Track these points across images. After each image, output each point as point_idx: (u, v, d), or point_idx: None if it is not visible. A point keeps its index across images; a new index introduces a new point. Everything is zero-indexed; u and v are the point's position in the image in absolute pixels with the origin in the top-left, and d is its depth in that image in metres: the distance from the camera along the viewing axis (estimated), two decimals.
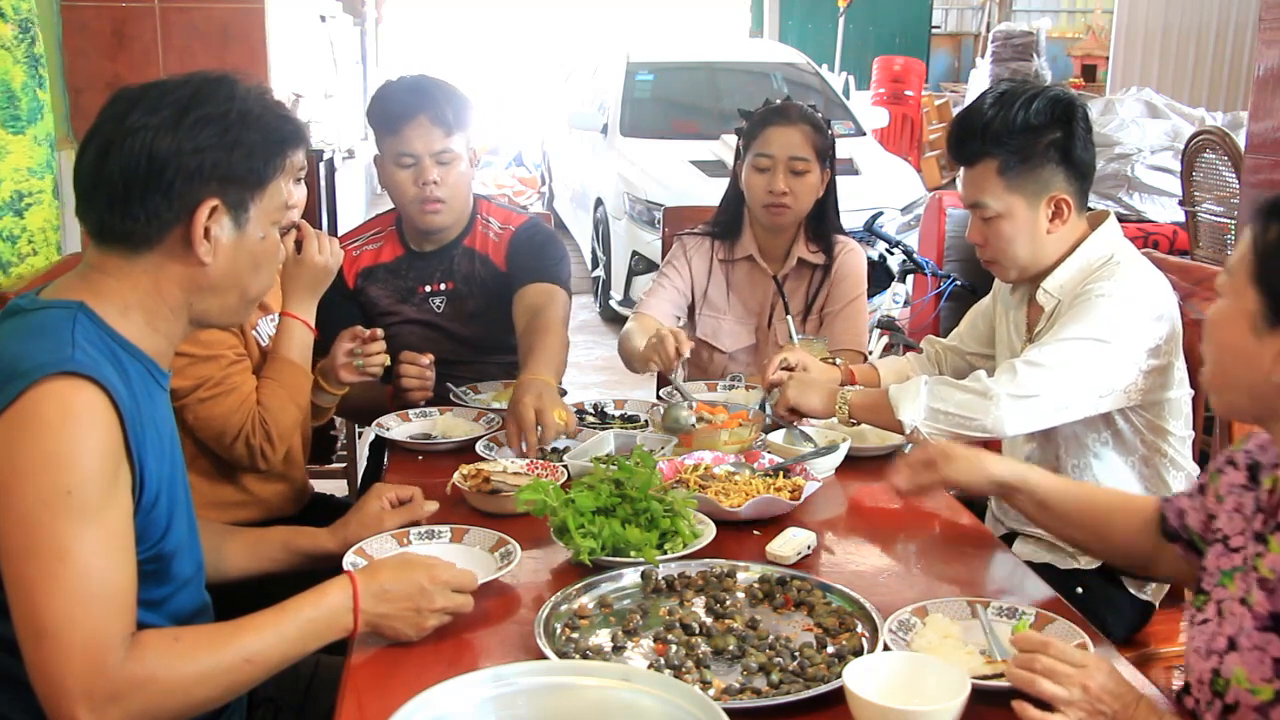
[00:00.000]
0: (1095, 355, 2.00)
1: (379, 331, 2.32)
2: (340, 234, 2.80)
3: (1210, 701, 1.35)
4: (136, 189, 1.43)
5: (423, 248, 2.68)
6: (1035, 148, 2.05)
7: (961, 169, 2.15)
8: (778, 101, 2.82)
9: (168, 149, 1.42)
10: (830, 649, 1.49)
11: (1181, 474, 2.14)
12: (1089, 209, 2.18)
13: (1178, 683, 1.53)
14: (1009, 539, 2.26)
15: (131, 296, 1.46)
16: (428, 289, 2.70)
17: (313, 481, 2.47)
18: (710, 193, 5.78)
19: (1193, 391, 2.15)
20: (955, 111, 12.75)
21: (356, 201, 8.80)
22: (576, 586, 1.64)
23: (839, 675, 1.35)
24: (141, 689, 1.32)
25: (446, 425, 2.40)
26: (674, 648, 1.48)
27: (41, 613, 1.29)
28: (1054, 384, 2.00)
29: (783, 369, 2.34)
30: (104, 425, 1.34)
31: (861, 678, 1.30)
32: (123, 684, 1.31)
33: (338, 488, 3.46)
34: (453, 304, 2.70)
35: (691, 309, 2.91)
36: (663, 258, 3.09)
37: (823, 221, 2.82)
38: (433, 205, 2.57)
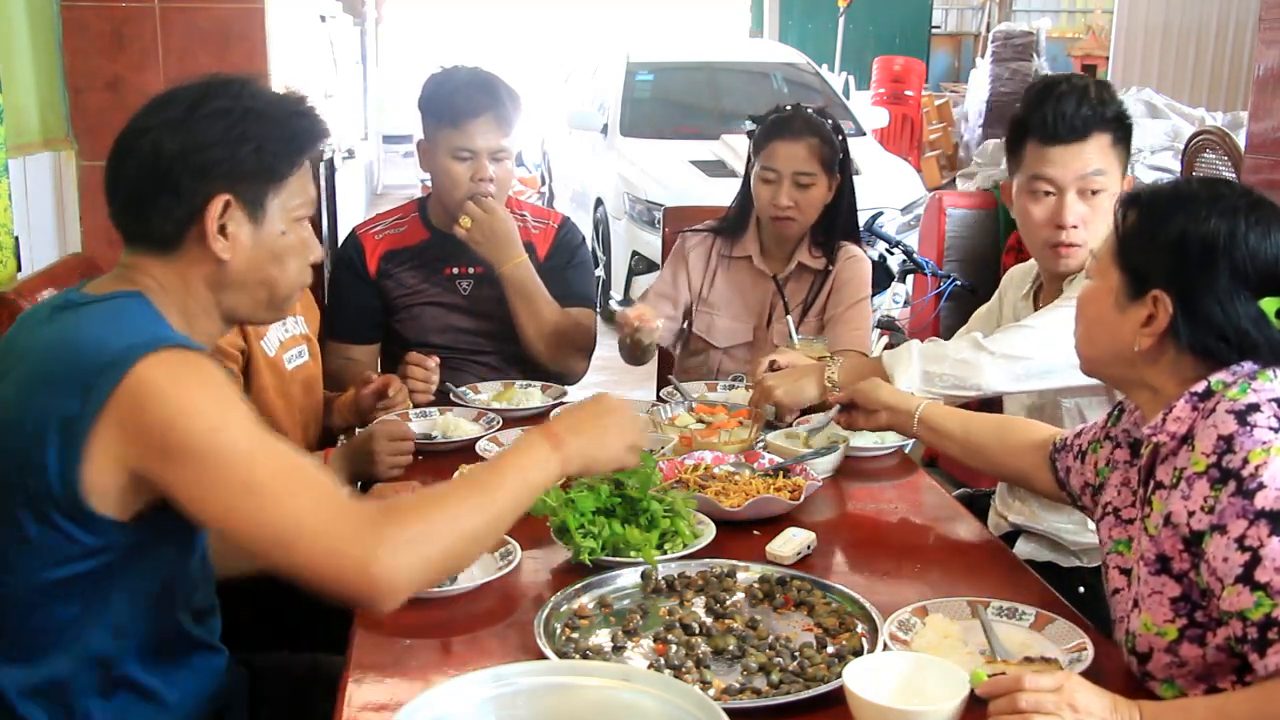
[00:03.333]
0: None
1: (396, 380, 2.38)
2: (356, 224, 2.83)
3: (1128, 659, 1.47)
4: (148, 189, 1.44)
5: (451, 230, 2.69)
6: (1123, 134, 2.11)
7: (1054, 148, 2.09)
8: (786, 108, 2.80)
9: (173, 147, 1.42)
10: (830, 649, 1.49)
11: None
12: None
13: None
14: (1010, 538, 2.26)
15: (166, 296, 1.47)
16: (455, 270, 2.74)
17: None
18: (710, 193, 5.81)
19: None
20: (955, 111, 12.69)
21: (356, 201, 8.81)
22: (576, 586, 1.64)
23: (839, 675, 1.35)
24: (403, 516, 1.32)
25: (446, 425, 2.40)
26: (674, 648, 1.48)
27: (278, 523, 1.29)
28: (1044, 346, 2.03)
29: (770, 369, 2.35)
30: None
31: (861, 678, 1.30)
32: (384, 518, 1.31)
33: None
34: (479, 288, 2.74)
35: (690, 307, 2.92)
36: (662, 257, 3.09)
37: (831, 227, 2.81)
38: (486, 204, 2.62)
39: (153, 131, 1.44)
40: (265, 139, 1.47)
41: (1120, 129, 2.11)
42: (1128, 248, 1.49)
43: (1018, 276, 2.38)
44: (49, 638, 1.38)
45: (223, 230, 1.45)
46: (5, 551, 1.35)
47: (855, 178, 2.92)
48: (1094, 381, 2.05)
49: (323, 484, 1.34)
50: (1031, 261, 2.32)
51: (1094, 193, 2.09)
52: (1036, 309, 2.24)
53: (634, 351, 2.68)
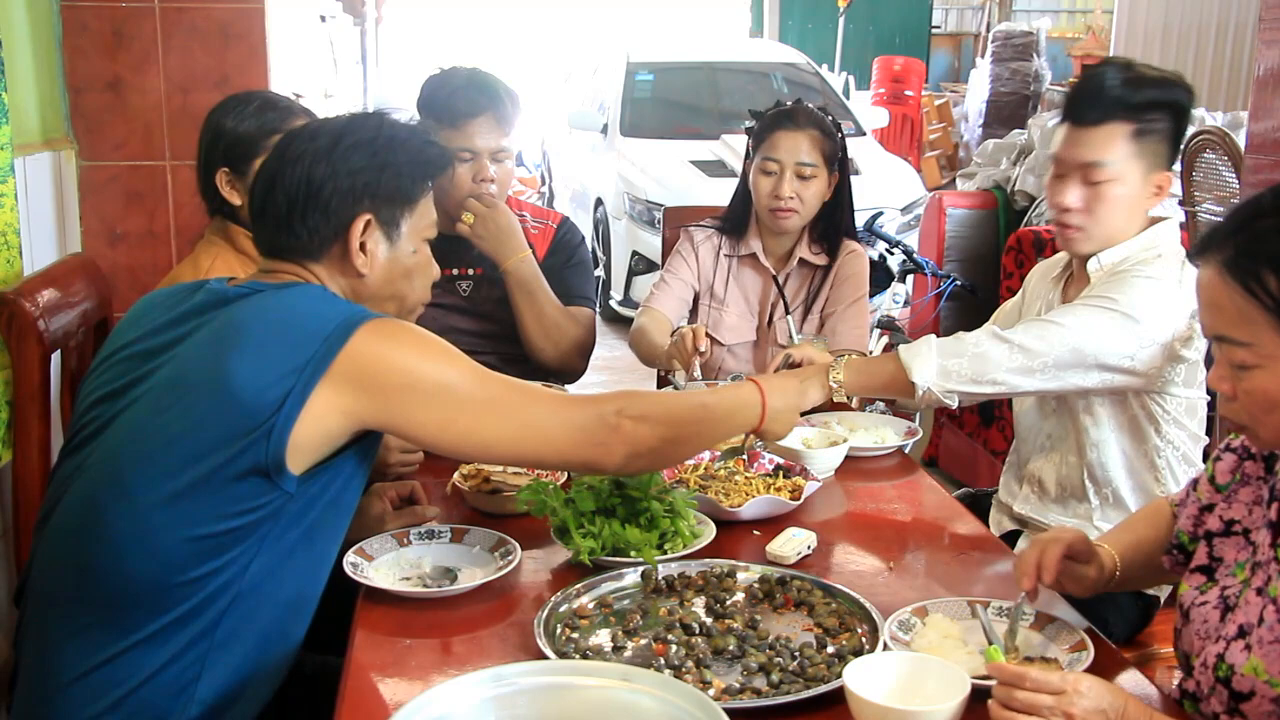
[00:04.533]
0: (1112, 326, 2.01)
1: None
2: None
3: (1213, 686, 1.37)
4: (299, 209, 1.59)
5: (451, 231, 2.68)
6: (1160, 125, 2.06)
7: (1070, 128, 2.09)
8: (788, 104, 2.81)
9: (324, 172, 1.59)
10: (830, 649, 1.49)
11: (1193, 469, 2.14)
12: None
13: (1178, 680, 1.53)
14: (1010, 538, 2.26)
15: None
16: (454, 271, 2.73)
17: None
18: (710, 193, 5.81)
19: (1208, 396, 2.15)
20: (955, 111, 12.68)
21: None
22: (576, 586, 1.64)
23: (839, 675, 1.35)
24: (629, 391, 1.68)
25: None
26: (674, 648, 1.48)
27: (523, 421, 1.56)
28: (1062, 342, 2.01)
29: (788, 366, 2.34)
30: None
31: (861, 678, 1.30)
32: (612, 393, 1.64)
33: None
34: (479, 289, 2.74)
35: (696, 300, 2.92)
36: (663, 257, 3.09)
37: (830, 224, 2.82)
38: (488, 200, 2.63)
39: (304, 158, 1.59)
40: (403, 165, 1.64)
41: (1146, 119, 2.04)
42: None
43: (1044, 266, 2.37)
44: (194, 590, 1.45)
45: (362, 247, 1.62)
46: (178, 508, 1.43)
47: (855, 178, 2.93)
48: (1106, 384, 2.05)
49: (544, 388, 1.71)
50: (1061, 253, 2.33)
51: (1095, 183, 2.07)
52: (1065, 295, 2.23)
53: (654, 360, 2.71)
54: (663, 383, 3.00)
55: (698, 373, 2.46)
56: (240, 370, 1.43)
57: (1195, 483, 1.61)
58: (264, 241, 1.65)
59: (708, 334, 2.89)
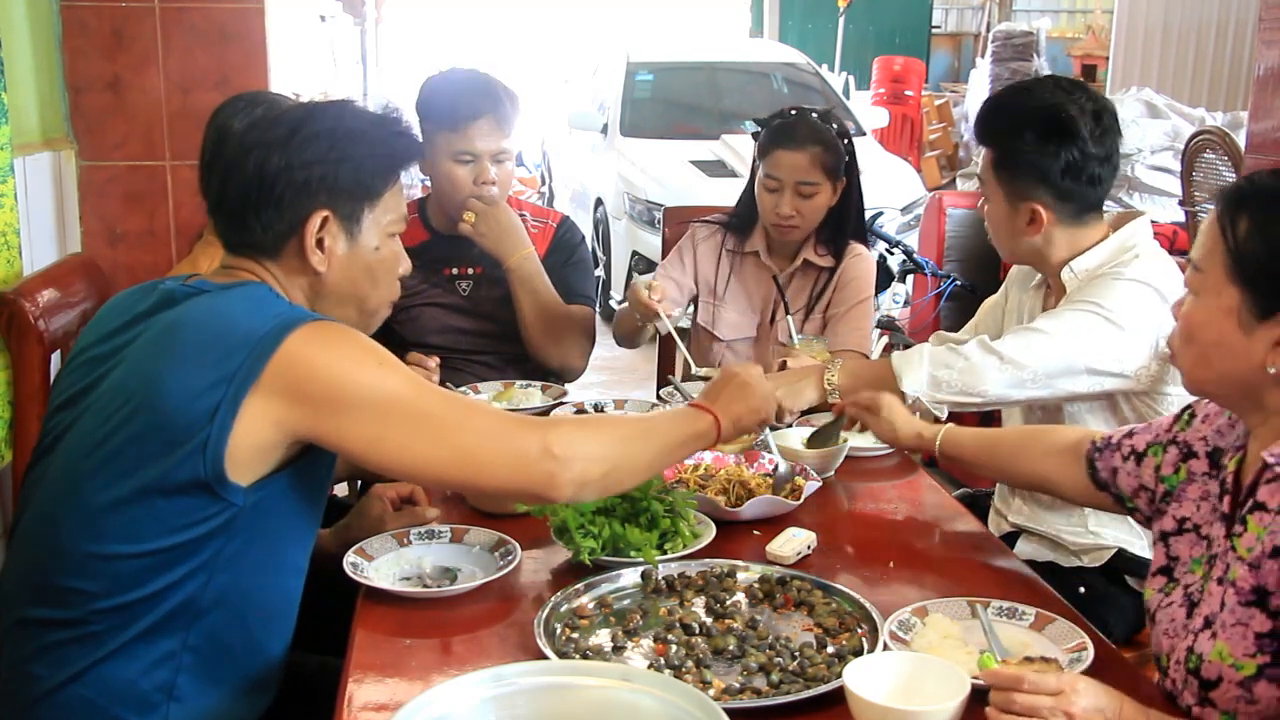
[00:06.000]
0: (1099, 330, 2.01)
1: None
2: None
3: (1186, 680, 1.39)
4: (252, 203, 1.52)
5: (451, 231, 2.69)
6: (1019, 158, 2.10)
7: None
8: (791, 112, 2.79)
9: (278, 165, 1.51)
10: (830, 649, 1.49)
11: None
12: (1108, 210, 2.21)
13: None
14: (1010, 539, 2.26)
15: (279, 290, 1.56)
16: (454, 271, 2.74)
17: None
18: (710, 193, 5.81)
19: None
20: (955, 111, 12.66)
21: None
22: (576, 586, 1.64)
23: (839, 675, 1.35)
24: (567, 419, 1.57)
25: None
26: (674, 648, 1.48)
27: (458, 441, 1.46)
28: (1051, 351, 2.02)
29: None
30: None
31: (861, 678, 1.30)
32: (549, 419, 1.54)
33: (337, 487, 3.45)
34: (479, 288, 2.75)
35: (695, 298, 2.92)
36: (663, 257, 3.09)
37: (837, 227, 2.81)
38: (489, 200, 2.62)
39: (259, 149, 1.52)
40: (363, 158, 1.55)
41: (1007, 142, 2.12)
42: (1247, 262, 1.32)
43: (1024, 271, 2.38)
44: (154, 605, 1.42)
45: (320, 244, 1.54)
46: (124, 522, 1.40)
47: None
48: (1096, 390, 2.05)
49: (485, 405, 1.57)
50: None
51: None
52: (1045, 306, 2.23)
53: (633, 333, 2.70)
54: (663, 382, 3.00)
55: (670, 323, 2.44)
56: (171, 380, 1.38)
57: (1140, 456, 1.64)
58: (222, 236, 1.59)
59: (705, 328, 2.90)
